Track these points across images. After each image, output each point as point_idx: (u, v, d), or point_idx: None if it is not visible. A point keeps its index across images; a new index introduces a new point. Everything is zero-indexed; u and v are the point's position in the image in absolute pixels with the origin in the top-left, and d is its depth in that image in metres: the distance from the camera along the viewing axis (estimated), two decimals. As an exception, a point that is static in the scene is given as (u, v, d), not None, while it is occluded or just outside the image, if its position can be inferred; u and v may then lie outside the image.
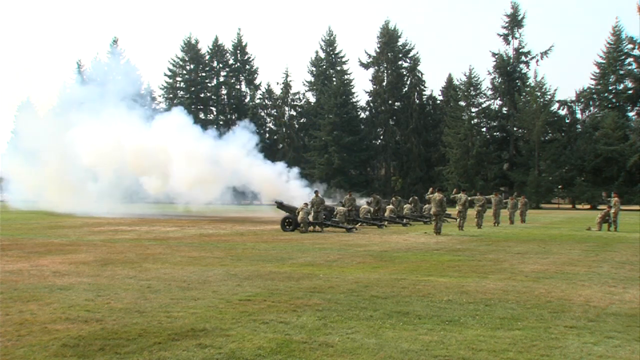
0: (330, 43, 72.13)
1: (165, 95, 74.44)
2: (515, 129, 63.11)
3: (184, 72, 74.04)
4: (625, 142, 54.50)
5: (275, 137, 73.14)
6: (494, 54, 63.85)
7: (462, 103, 62.85)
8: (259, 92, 74.59)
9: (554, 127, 60.33)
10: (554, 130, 60.71)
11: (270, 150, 71.18)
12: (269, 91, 72.36)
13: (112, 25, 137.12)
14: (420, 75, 68.69)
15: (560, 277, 9.77)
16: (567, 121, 61.76)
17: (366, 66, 69.57)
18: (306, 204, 21.39)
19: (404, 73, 68.99)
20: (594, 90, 60.50)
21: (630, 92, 59.25)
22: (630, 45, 58.44)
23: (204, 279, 9.24)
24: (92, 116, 32.40)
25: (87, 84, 41.30)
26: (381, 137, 70.42)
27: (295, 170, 32.27)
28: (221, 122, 75.67)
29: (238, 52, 74.99)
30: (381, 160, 69.86)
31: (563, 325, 6.32)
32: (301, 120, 72.56)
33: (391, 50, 68.10)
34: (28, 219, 26.83)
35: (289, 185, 29.53)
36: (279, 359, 5.03)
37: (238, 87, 75.82)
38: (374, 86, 68.89)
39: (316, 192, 23.06)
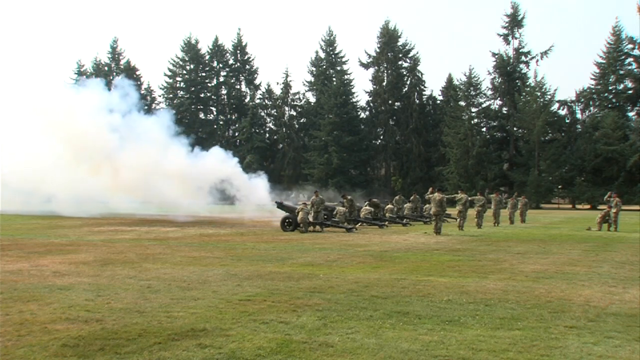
0: (330, 43, 72.13)
1: (165, 95, 74.52)
2: (515, 129, 63.10)
3: (184, 72, 74.03)
4: (625, 142, 54.49)
5: (275, 137, 73.15)
6: (494, 54, 63.90)
7: (462, 103, 62.86)
8: (259, 92, 74.67)
9: (554, 127, 60.33)
10: (554, 130, 60.71)
11: (270, 150, 71.40)
12: (269, 91, 72.37)
13: (112, 25, 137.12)
14: (420, 75, 68.74)
15: (560, 277, 9.77)
16: (567, 121, 61.77)
17: (366, 66, 69.59)
18: (306, 204, 21.37)
19: (404, 73, 69.01)
20: (594, 90, 60.50)
21: (630, 92, 59.26)
22: (630, 45, 58.48)
23: (204, 279, 9.24)
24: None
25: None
26: (381, 137, 70.44)
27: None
28: (221, 122, 75.71)
29: (238, 52, 74.99)
30: (381, 160, 69.87)
31: (563, 325, 6.32)
32: (301, 120, 72.55)
33: (391, 50, 68.12)
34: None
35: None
36: (279, 359, 5.03)
37: (238, 87, 75.81)
38: (374, 86, 68.90)
39: (316, 192, 22.98)
